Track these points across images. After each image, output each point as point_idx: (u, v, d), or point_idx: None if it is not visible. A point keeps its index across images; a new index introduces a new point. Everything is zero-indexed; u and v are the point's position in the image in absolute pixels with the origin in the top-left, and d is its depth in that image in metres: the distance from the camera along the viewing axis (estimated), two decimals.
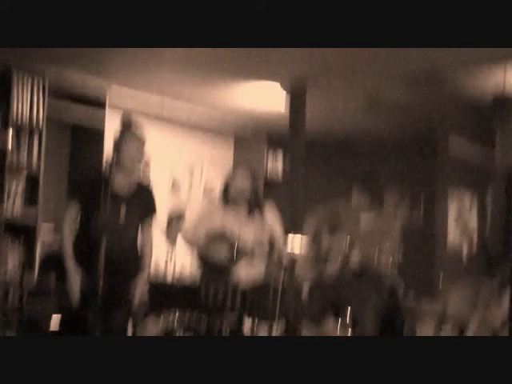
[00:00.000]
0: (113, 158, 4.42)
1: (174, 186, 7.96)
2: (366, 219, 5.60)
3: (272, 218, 5.47)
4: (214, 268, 5.31)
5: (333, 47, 4.65)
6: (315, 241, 5.82)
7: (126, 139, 4.54)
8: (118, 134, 4.58)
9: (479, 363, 3.13)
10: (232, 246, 5.33)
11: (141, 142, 4.55)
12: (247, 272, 5.42)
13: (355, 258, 5.31)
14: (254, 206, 5.38)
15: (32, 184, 6.15)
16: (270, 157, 8.66)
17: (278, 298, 4.99)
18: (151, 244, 4.70)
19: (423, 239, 8.36)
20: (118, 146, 4.52)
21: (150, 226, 4.69)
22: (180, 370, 3.20)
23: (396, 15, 3.84)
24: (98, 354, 3.27)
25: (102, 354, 3.26)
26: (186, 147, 8.10)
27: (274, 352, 3.28)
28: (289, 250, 5.34)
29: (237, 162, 7.43)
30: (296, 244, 5.36)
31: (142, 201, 4.60)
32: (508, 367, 3.11)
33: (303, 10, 3.86)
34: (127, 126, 4.59)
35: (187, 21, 3.90)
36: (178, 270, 6.64)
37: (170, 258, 6.51)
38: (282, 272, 5.11)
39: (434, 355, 3.19)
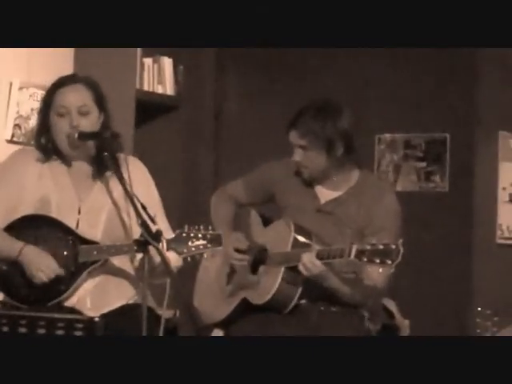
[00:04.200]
0: None
1: None
2: (325, 192, 3.57)
3: (142, 184, 3.30)
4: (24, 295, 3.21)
5: None
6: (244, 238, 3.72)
7: None
8: None
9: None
10: (66, 240, 3.19)
11: None
12: (99, 294, 3.23)
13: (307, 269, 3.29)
14: (105, 162, 3.17)
15: None
16: (149, 64, 5.07)
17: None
18: None
19: (448, 226, 5.23)
20: None
21: None
22: None
23: None
24: None
25: None
26: None
27: None
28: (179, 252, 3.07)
29: (74, 74, 4.25)
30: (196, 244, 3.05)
31: None
32: None
33: None
34: None
35: None
36: None
37: None
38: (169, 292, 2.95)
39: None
